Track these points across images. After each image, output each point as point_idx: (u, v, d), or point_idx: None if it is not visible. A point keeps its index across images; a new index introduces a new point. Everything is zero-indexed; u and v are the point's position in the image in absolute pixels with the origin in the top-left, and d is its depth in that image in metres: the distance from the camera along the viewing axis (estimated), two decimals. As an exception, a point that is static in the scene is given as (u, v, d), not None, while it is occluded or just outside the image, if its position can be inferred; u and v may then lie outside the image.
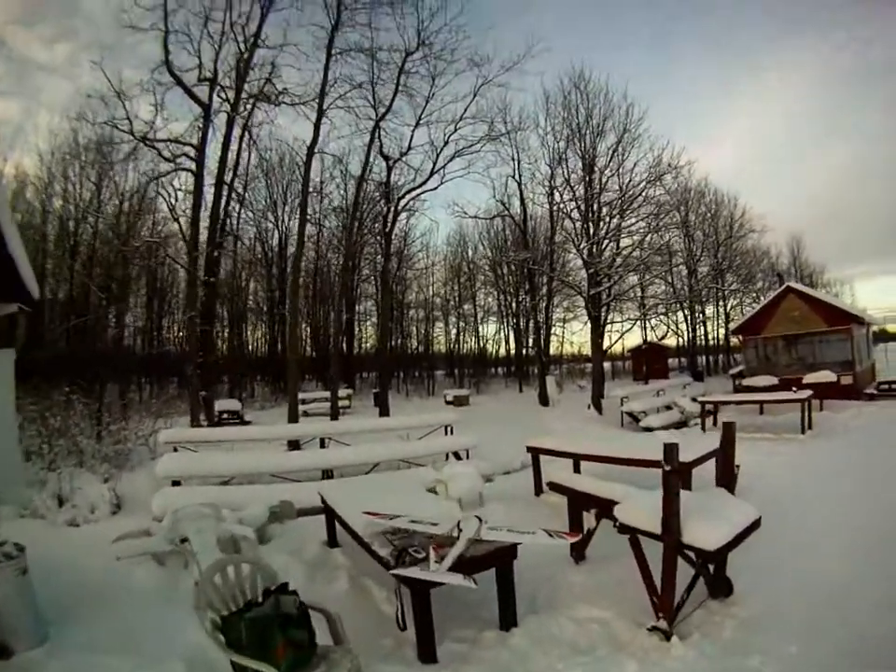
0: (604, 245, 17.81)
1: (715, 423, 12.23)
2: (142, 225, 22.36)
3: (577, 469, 7.47)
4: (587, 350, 29.59)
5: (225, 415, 15.31)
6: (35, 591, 3.52)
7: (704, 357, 30.02)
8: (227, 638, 2.76)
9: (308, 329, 30.46)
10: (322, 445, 9.67)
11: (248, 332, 30.29)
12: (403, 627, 3.56)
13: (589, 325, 18.81)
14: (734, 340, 26.23)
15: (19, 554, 3.45)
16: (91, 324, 19.26)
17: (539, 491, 7.55)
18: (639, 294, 23.21)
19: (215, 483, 7.80)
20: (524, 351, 31.22)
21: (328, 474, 8.67)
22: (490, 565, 3.77)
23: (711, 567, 3.97)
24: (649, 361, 25.33)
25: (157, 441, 8.87)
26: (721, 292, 27.56)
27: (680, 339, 30.27)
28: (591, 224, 17.81)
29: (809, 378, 14.00)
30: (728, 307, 29.67)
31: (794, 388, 12.00)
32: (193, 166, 13.94)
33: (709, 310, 30.16)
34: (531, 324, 26.78)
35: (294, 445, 10.72)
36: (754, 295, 28.52)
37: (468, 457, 9.62)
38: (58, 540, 5.54)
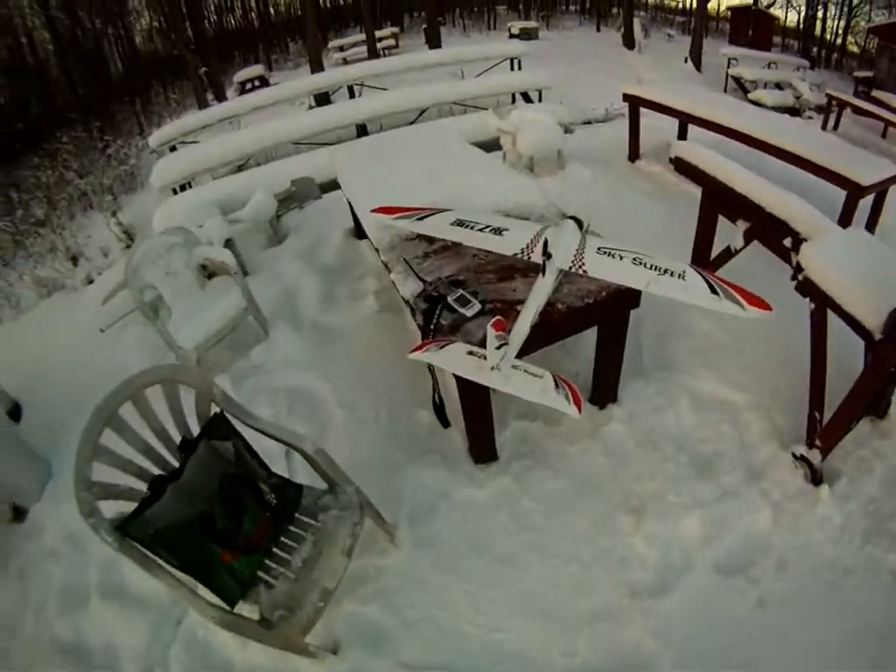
0: None
1: (836, 125, 9.02)
2: None
3: (683, 138, 5.35)
4: (677, -3, 25.25)
5: (248, 86, 12.73)
6: (19, 434, 2.93)
7: (817, 48, 23.21)
8: (147, 544, 1.45)
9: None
10: (351, 95, 7.53)
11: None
12: (446, 423, 2.36)
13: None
14: (850, 40, 22.03)
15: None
16: (90, 52, 16.18)
17: (634, 156, 5.56)
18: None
19: (228, 173, 6.30)
20: (604, -13, 25.18)
21: (362, 130, 6.83)
22: (594, 321, 2.17)
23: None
24: (756, 27, 19.74)
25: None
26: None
27: (797, 14, 23.72)
28: None
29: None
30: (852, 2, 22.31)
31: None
32: None
33: (833, -6, 22.67)
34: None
35: (322, 100, 8.54)
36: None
37: (540, 102, 7.29)
38: (69, 315, 4.68)
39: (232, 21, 23.99)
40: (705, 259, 3.19)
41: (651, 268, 1.81)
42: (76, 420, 2.82)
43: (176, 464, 1.59)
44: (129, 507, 1.45)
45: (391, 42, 15.98)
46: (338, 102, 8.21)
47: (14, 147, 11.65)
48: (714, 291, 1.72)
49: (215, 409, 1.68)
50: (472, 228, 2.10)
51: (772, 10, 22.54)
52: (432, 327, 1.85)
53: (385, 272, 3.21)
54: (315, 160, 5.59)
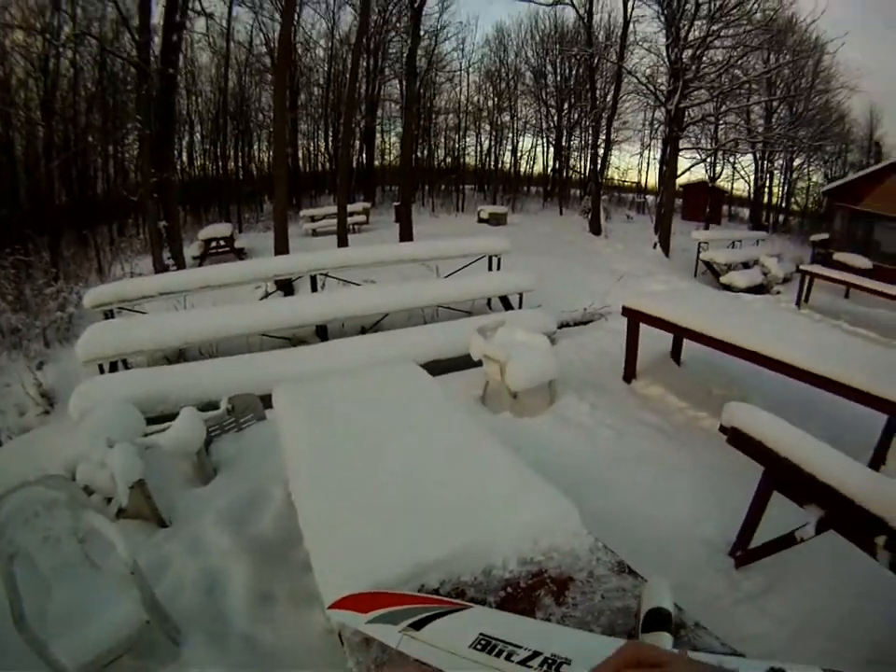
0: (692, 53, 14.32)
1: (807, 299, 9.57)
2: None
3: (677, 349, 5.25)
4: (635, 177, 28.58)
5: (213, 245, 12.04)
6: None
7: (765, 213, 26.64)
8: None
9: (326, 141, 26.23)
10: (314, 287, 7.03)
11: (262, 150, 25.45)
12: None
13: (658, 147, 17.49)
14: (793, 200, 26.39)
15: None
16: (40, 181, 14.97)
17: (630, 376, 5.08)
18: (712, 124, 20.45)
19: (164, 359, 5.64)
20: (564, 172, 27.54)
21: (322, 332, 6.31)
22: None
23: None
24: (712, 204, 21.77)
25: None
26: (795, 145, 21.91)
27: (746, 185, 27.08)
28: (675, 28, 14.24)
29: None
30: (793, 164, 26.11)
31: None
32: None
33: (778, 162, 26.13)
34: (580, 140, 25.57)
35: (285, 288, 7.99)
36: (824, 157, 25.45)
37: (520, 306, 6.92)
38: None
39: (211, 170, 23.24)
40: (747, 539, 2.76)
41: None
42: None
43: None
44: None
45: (362, 218, 16.07)
46: (300, 291, 7.73)
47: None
48: None
49: None
50: (510, 657, 1.35)
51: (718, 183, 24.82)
52: None
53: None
54: (264, 363, 5.03)
